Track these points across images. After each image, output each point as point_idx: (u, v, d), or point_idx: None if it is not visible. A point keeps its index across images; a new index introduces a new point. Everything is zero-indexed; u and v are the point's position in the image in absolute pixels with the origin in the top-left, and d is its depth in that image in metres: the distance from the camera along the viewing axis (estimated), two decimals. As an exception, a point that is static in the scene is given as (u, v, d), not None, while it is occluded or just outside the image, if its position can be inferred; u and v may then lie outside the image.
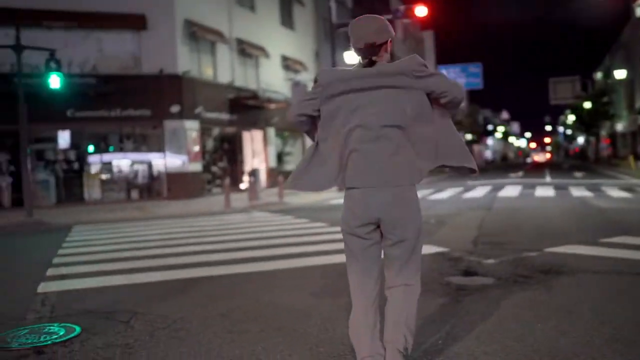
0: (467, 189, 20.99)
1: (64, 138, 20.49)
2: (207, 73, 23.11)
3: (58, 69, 15.22)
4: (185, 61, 21.33)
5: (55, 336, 4.41)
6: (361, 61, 2.97)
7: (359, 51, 2.93)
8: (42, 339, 4.34)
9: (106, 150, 21.08)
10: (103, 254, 8.63)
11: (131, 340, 4.26)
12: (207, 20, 22.67)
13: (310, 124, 3.11)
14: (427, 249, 7.55)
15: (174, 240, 10.00)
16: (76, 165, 20.59)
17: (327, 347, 3.87)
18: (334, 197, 18.59)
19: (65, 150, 20.69)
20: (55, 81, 15.10)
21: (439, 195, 18.52)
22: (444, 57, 56.19)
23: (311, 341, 4.02)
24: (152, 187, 21.52)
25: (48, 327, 4.66)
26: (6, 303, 5.75)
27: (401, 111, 2.86)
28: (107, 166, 21.02)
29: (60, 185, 20.31)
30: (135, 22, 20.16)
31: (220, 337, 4.21)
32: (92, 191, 20.52)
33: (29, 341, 4.31)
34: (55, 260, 8.23)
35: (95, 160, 20.87)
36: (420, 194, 19.96)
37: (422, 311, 4.56)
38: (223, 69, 23.94)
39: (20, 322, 4.87)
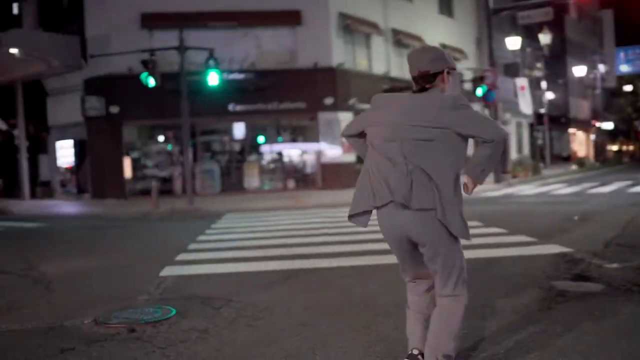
0: (637, 183, 19.12)
1: (239, 129, 21.99)
2: (362, 65, 23.38)
3: (216, 66, 16.34)
4: (340, 54, 21.78)
5: (151, 317, 4.83)
6: (414, 89, 3.06)
7: (414, 80, 3.03)
8: (139, 319, 4.79)
9: (264, 142, 22.26)
10: (235, 242, 9.19)
11: (211, 325, 4.55)
12: (362, 12, 22.91)
13: (363, 145, 3.21)
14: (549, 249, 7.08)
15: (308, 230, 10.34)
16: (238, 156, 22.02)
17: (384, 348, 3.83)
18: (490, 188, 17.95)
19: (230, 141, 22.22)
20: (213, 78, 16.24)
21: (601, 189, 17.10)
22: (626, 37, 50.36)
23: (372, 340, 4.01)
24: (307, 177, 22.35)
25: (150, 309, 5.12)
26: (128, 283, 6.37)
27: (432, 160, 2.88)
28: (265, 157, 22.21)
29: (224, 175, 21.83)
30: (291, 18, 20.96)
31: (290, 329, 4.34)
32: (252, 180, 21.78)
33: (127, 320, 4.77)
34: (191, 245, 8.92)
35: (255, 151, 22.15)
36: (579, 187, 18.59)
37: (502, 316, 4.34)
38: (378, 60, 24.07)
39: (130, 302, 5.39)
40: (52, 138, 23.23)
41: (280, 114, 21.41)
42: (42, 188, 23.28)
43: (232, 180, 21.82)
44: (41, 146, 23.73)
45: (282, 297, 5.35)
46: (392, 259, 6.84)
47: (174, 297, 5.57)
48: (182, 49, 16.38)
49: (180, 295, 5.61)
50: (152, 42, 19.30)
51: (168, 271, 6.85)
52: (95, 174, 20.87)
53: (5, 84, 22.72)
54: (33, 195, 22.98)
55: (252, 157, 22.10)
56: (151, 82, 15.82)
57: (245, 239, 9.55)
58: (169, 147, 21.94)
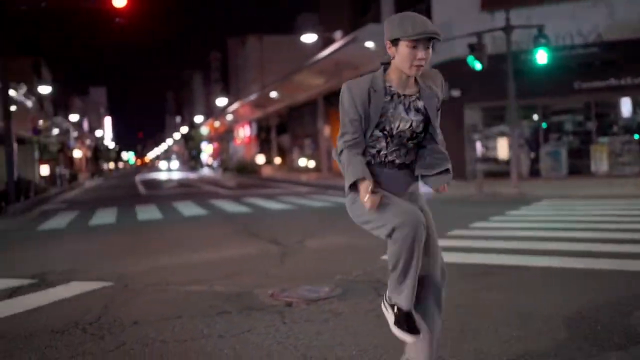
0: None
1: (625, 105, 20.27)
2: None
3: (547, 44, 15.43)
4: None
5: (316, 294, 5.28)
6: None
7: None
8: (308, 295, 5.28)
9: (615, 123, 20.00)
10: (513, 231, 8.74)
11: (346, 310, 4.75)
12: None
13: None
14: None
15: (619, 223, 9.23)
16: (585, 137, 20.32)
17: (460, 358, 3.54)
18: None
19: (585, 121, 20.63)
20: (542, 56, 15.37)
21: None
22: None
23: (451, 348, 3.71)
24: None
25: (325, 287, 5.56)
26: (345, 262, 6.88)
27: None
28: (618, 139, 19.94)
29: (571, 157, 20.42)
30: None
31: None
32: (600, 164, 19.85)
33: (297, 295, 5.31)
34: (453, 232, 8.89)
35: (607, 132, 20.10)
36: None
37: None
38: None
39: (324, 280, 5.90)
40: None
41: (636, 89, 18.92)
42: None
43: (580, 163, 20.27)
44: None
45: (452, 293, 5.17)
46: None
47: (363, 279, 5.87)
48: (508, 29, 15.92)
49: (368, 279, 5.88)
50: (494, 23, 19.14)
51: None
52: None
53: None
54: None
55: (603, 139, 20.09)
56: (477, 65, 15.84)
57: (531, 228, 8.98)
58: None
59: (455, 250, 7.24)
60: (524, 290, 5.19)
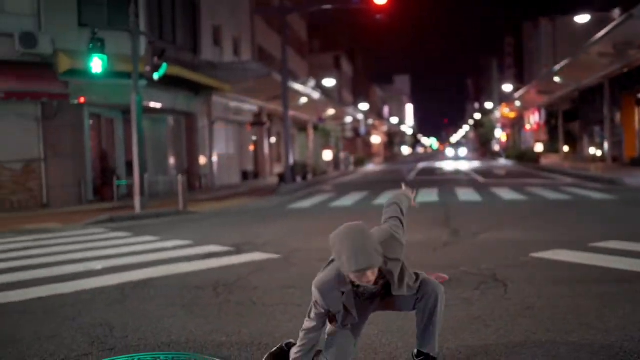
0: None
1: None
2: None
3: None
4: None
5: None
6: None
7: None
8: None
9: None
10: None
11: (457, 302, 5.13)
12: None
13: None
14: None
15: None
16: None
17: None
18: None
19: None
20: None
21: None
22: None
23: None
24: None
25: (433, 274, 5.94)
26: (487, 257, 6.98)
27: None
28: None
29: None
30: None
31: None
32: None
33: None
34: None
35: None
36: None
37: None
38: None
39: (448, 271, 6.25)
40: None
41: None
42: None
43: None
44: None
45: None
46: None
47: (479, 274, 6.06)
48: None
49: (485, 274, 6.05)
50: None
51: (548, 254, 6.97)
52: None
53: None
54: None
55: None
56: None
57: None
58: None
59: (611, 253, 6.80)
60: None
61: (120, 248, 8.85)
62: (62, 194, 17.31)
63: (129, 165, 19.00)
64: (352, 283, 3.06)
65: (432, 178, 27.79)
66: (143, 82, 16.06)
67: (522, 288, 5.37)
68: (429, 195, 16.51)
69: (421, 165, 50.62)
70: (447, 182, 23.47)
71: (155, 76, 14.63)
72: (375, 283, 3.10)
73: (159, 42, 18.36)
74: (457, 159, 68.37)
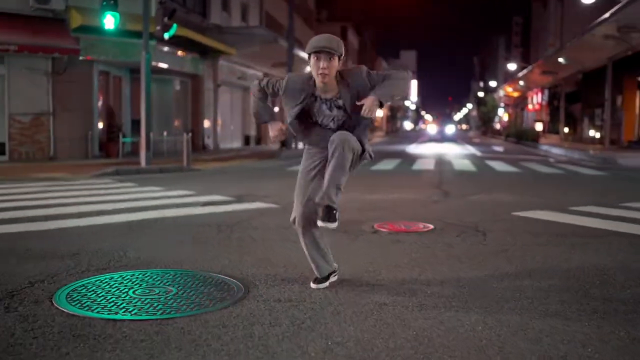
0: None
1: None
2: None
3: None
4: None
5: (406, 228, 6.22)
6: None
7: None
8: (399, 227, 6.26)
9: None
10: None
11: (409, 239, 5.64)
12: None
13: None
14: None
15: None
16: None
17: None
18: None
19: None
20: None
21: None
22: None
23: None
24: None
25: (421, 224, 6.44)
26: (473, 213, 7.48)
27: None
28: None
29: None
30: None
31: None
32: None
33: (393, 227, 6.32)
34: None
35: None
36: None
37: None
38: None
39: (436, 222, 6.75)
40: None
41: None
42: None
43: None
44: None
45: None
46: None
47: (462, 225, 6.56)
48: None
49: (467, 225, 6.54)
50: None
51: (529, 214, 7.46)
52: None
53: None
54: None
55: None
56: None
57: None
58: None
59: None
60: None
61: (127, 194, 9.35)
62: (69, 147, 17.78)
63: (135, 123, 19.44)
64: (314, 88, 3.67)
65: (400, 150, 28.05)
66: (153, 42, 16.41)
67: (499, 237, 5.89)
68: (387, 164, 16.98)
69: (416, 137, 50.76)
70: (400, 154, 23.78)
71: (166, 36, 14.99)
72: (330, 101, 3.69)
73: (169, 3, 18.64)
74: (443, 140, 51.25)
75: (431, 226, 6.44)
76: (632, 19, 23.41)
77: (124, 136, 19.12)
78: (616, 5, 25.58)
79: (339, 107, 3.73)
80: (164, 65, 19.97)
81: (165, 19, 14.87)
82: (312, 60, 3.59)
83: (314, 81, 3.68)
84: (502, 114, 74.08)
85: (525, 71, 49.64)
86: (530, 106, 57.57)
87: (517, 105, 66.81)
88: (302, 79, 3.76)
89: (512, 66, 53.13)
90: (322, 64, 3.55)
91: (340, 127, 3.76)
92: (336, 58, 3.58)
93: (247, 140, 30.05)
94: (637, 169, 16.43)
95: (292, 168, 15.74)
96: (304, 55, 31.34)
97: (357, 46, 70.75)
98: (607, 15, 24.51)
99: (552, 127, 45.69)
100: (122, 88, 20.55)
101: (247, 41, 24.67)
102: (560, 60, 36.45)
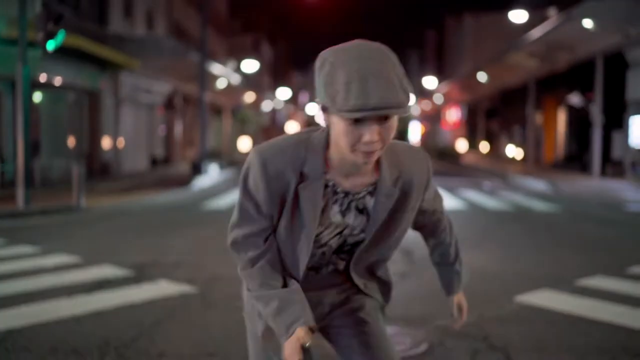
0: None
1: None
2: None
3: None
4: None
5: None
6: None
7: None
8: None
9: None
10: None
11: None
12: None
13: None
14: None
15: None
16: None
17: None
18: None
19: None
20: None
21: None
22: None
23: None
24: None
25: (408, 338, 4.38)
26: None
27: None
28: None
29: None
30: None
31: None
32: None
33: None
34: None
35: None
36: None
37: None
38: None
39: (420, 324, 4.71)
40: (627, 114, 21.61)
41: None
42: (612, 167, 22.10)
43: None
44: (616, 122, 22.40)
45: None
46: None
47: (468, 333, 4.56)
48: None
49: (477, 333, 4.55)
50: None
51: (528, 297, 5.59)
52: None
53: (583, 58, 22.25)
54: (603, 173, 22.10)
55: None
56: None
57: None
58: None
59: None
60: None
61: (-17, 266, 6.76)
62: None
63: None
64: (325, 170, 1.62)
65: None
66: (37, 52, 13.59)
67: (528, 357, 3.90)
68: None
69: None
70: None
71: (50, 45, 12.27)
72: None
73: (57, 6, 15.83)
74: None
75: (423, 343, 4.37)
76: (562, 37, 22.74)
77: (2, 162, 16.02)
78: (544, 23, 24.94)
79: (360, 211, 1.70)
80: (54, 79, 17.08)
81: (50, 24, 12.17)
82: (338, 120, 1.53)
83: (323, 159, 1.65)
84: (416, 127, 74.23)
85: (443, 87, 49.37)
86: (446, 121, 57.56)
87: (432, 120, 67.00)
88: (291, 158, 1.65)
89: (429, 81, 52.77)
90: (367, 135, 1.51)
91: (344, 253, 1.79)
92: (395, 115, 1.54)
93: (154, 161, 27.19)
94: (586, 200, 15.27)
95: (209, 204, 13.36)
96: (217, 70, 29.06)
97: (272, 58, 68.74)
98: (538, 32, 23.78)
99: (470, 143, 45.45)
100: (2, 105, 17.40)
101: (153, 53, 22.04)
102: (481, 79, 35.98)
